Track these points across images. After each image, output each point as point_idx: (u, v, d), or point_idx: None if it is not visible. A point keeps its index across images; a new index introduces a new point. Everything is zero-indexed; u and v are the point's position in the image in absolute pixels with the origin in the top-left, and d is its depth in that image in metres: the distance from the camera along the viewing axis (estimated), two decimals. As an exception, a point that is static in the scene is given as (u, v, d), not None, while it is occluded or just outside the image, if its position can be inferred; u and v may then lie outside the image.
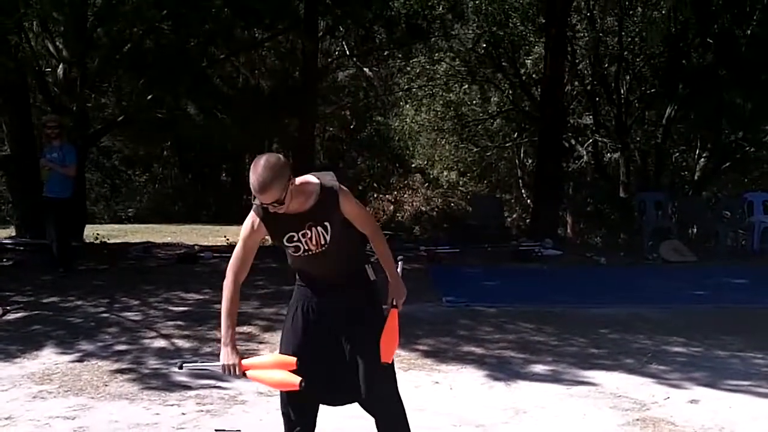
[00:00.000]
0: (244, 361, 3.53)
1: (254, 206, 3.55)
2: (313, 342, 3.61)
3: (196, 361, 3.76)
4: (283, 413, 3.76)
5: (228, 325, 3.54)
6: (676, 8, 16.89)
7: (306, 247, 3.54)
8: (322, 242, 3.54)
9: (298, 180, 3.49)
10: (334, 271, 3.64)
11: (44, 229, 10.27)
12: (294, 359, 3.47)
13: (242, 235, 3.59)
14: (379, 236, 3.78)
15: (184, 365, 4.11)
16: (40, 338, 6.87)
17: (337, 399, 3.77)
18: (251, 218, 3.55)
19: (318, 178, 3.56)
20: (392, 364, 3.69)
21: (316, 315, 3.64)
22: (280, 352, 3.67)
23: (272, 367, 3.55)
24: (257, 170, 3.35)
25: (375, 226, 3.81)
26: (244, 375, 3.53)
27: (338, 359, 3.62)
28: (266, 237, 3.62)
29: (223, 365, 3.51)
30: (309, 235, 3.52)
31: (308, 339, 3.62)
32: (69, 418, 4.82)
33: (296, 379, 3.42)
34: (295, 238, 3.53)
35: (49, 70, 13.49)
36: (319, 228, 3.52)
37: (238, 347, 3.55)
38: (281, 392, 3.72)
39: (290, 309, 3.76)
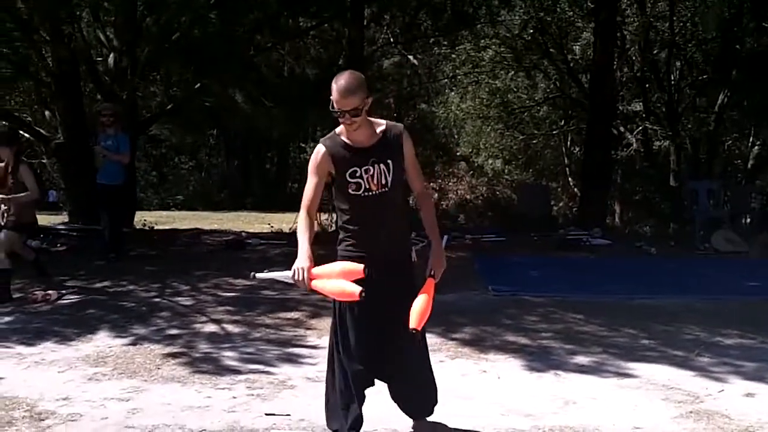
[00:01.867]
0: (314, 270, 3.57)
1: (322, 140, 3.69)
2: (372, 298, 3.61)
3: (265, 271, 3.79)
4: (344, 386, 3.84)
5: (304, 240, 3.63)
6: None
7: (367, 185, 3.60)
8: (383, 182, 3.60)
9: (378, 119, 3.66)
10: (386, 226, 3.68)
11: (97, 215, 10.44)
12: (361, 267, 3.52)
13: (309, 169, 3.70)
14: (429, 199, 3.87)
15: (256, 275, 4.16)
16: (94, 322, 7.00)
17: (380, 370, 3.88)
18: (317, 151, 3.66)
19: (385, 120, 3.69)
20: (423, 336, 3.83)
21: (369, 268, 3.62)
22: (336, 307, 3.79)
23: (338, 276, 3.58)
24: (342, 77, 3.53)
25: (425, 185, 3.88)
26: (310, 285, 3.57)
27: (385, 328, 3.72)
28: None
29: (295, 268, 3.56)
30: (371, 172, 3.58)
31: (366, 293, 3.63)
32: (123, 399, 4.90)
33: (356, 289, 3.46)
34: (358, 174, 3.59)
35: (101, 59, 13.70)
36: (381, 166, 3.59)
37: (312, 258, 3.60)
38: (341, 366, 3.80)
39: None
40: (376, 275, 3.62)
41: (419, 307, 3.61)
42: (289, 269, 3.61)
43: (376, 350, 3.78)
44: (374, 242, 3.69)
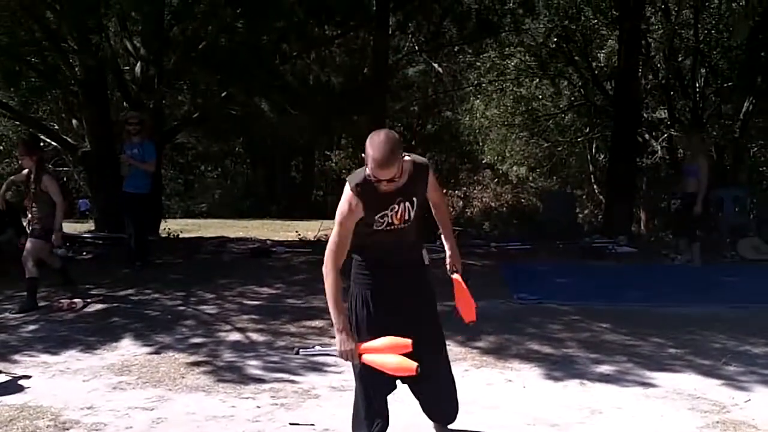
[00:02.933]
0: (362, 346, 3.62)
1: (352, 186, 3.61)
2: (395, 322, 3.72)
3: (311, 347, 3.85)
4: (364, 396, 3.87)
5: (338, 311, 3.66)
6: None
7: (390, 221, 3.66)
8: (406, 217, 3.67)
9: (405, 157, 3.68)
10: (403, 246, 3.80)
11: (122, 224, 10.52)
12: (409, 341, 3.52)
13: (339, 219, 3.64)
14: (447, 207, 4.10)
15: (300, 351, 4.25)
16: (119, 330, 7.05)
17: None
18: (349, 199, 3.61)
19: (408, 155, 3.69)
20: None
21: (386, 295, 3.77)
22: (361, 339, 3.72)
23: (387, 351, 3.58)
24: (380, 147, 3.44)
25: (446, 204, 4.13)
26: (360, 359, 3.61)
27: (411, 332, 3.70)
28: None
29: (341, 351, 3.61)
30: (396, 210, 3.64)
31: (390, 319, 3.75)
32: (147, 409, 4.93)
33: (413, 365, 3.49)
34: (387, 215, 3.64)
35: (128, 68, 13.82)
36: (407, 203, 3.65)
37: (349, 333, 3.65)
38: (363, 376, 3.83)
39: (356, 296, 3.84)
40: (393, 288, 3.78)
41: (465, 302, 3.92)
42: (335, 349, 3.81)
43: None
44: (390, 264, 3.80)
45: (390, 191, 3.59)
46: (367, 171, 3.56)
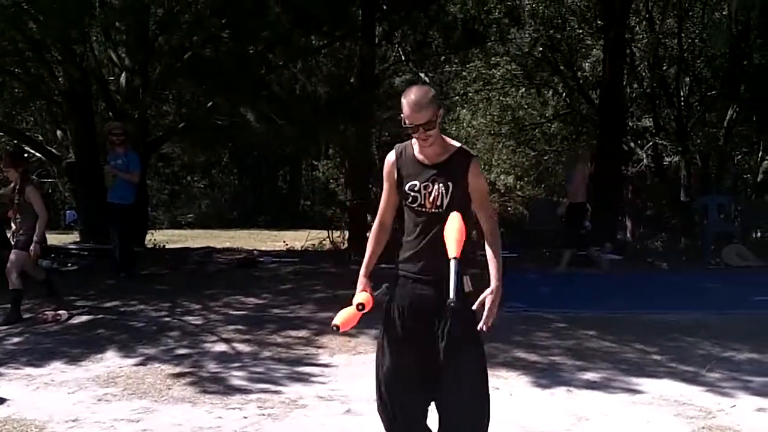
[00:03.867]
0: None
1: (396, 146, 3.67)
2: (408, 342, 3.56)
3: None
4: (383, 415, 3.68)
5: (365, 261, 3.69)
6: (737, 9, 16.53)
7: (422, 202, 3.51)
8: (438, 203, 3.48)
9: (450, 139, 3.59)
10: (433, 247, 3.49)
11: (108, 235, 10.47)
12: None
13: (384, 177, 3.67)
14: (495, 232, 3.61)
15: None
16: (104, 342, 7.01)
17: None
18: (388, 157, 3.66)
19: (459, 144, 3.61)
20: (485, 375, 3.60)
21: (413, 313, 3.56)
22: (380, 344, 3.69)
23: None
24: (412, 91, 3.45)
25: (493, 217, 3.67)
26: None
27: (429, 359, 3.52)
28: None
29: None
30: (429, 189, 3.49)
31: (403, 338, 3.58)
32: (133, 420, 4.90)
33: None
34: (416, 188, 3.51)
35: (112, 78, 13.78)
36: (441, 185, 3.48)
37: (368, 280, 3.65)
38: (383, 392, 3.66)
39: (389, 302, 3.69)
40: (414, 298, 3.55)
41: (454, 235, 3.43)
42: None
43: (412, 380, 3.59)
44: (419, 260, 3.56)
45: (426, 161, 3.52)
46: (412, 140, 3.59)
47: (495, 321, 3.47)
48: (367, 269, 3.69)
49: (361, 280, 3.66)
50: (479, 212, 3.59)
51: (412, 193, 3.53)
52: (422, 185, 3.50)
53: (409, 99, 3.43)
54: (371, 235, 3.74)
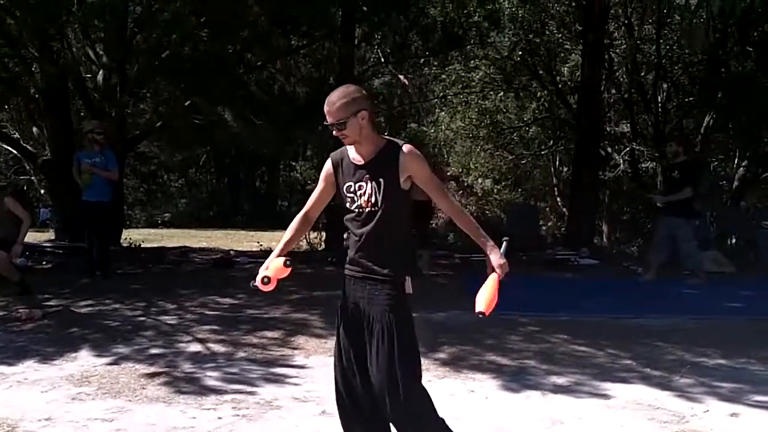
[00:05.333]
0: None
1: (335, 152, 3.73)
2: (349, 338, 3.68)
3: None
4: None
5: (281, 244, 3.79)
6: (715, 16, 16.68)
7: (359, 203, 3.57)
8: (372, 200, 3.53)
9: (380, 135, 3.60)
10: (373, 247, 3.58)
11: (83, 233, 10.40)
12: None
13: (321, 176, 3.77)
14: (461, 214, 3.65)
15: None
16: (78, 341, 6.95)
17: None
18: (327, 161, 3.72)
19: (388, 137, 3.64)
20: (419, 380, 3.59)
21: (348, 310, 3.68)
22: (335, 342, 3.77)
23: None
24: (335, 90, 3.57)
25: (450, 198, 3.67)
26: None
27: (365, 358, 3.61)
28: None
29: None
30: (363, 189, 3.55)
31: (345, 334, 3.70)
32: (107, 420, 4.86)
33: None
34: (352, 188, 3.58)
35: (90, 76, 13.70)
36: (373, 183, 3.53)
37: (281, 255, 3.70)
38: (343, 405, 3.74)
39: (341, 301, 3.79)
40: (354, 298, 3.65)
41: (487, 292, 3.56)
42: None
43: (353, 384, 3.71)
44: (359, 261, 3.63)
45: (359, 162, 3.58)
46: None
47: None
48: (280, 252, 3.74)
49: (271, 258, 3.72)
50: (433, 197, 3.64)
51: (349, 194, 3.61)
52: (356, 185, 3.58)
53: (328, 97, 3.55)
54: (292, 224, 3.84)
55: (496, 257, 3.60)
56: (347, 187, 3.61)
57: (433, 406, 3.64)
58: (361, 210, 3.58)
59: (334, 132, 3.56)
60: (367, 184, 3.55)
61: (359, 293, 3.63)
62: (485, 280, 3.66)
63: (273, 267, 3.63)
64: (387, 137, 3.65)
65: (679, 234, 10.32)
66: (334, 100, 3.52)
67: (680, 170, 10.38)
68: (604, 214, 21.19)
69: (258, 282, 3.60)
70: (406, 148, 3.55)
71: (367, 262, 3.60)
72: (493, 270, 3.62)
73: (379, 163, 3.55)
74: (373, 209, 3.55)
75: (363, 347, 3.60)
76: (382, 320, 3.52)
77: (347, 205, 3.63)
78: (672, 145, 10.79)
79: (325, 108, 3.54)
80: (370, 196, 3.54)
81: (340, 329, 3.73)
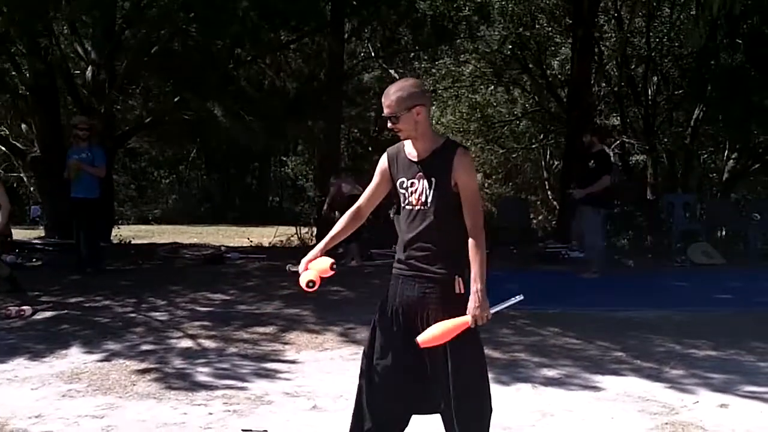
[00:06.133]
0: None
1: (392, 147, 3.67)
2: (392, 341, 3.57)
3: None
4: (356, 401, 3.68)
5: (329, 236, 3.67)
6: (704, 8, 16.70)
7: (409, 199, 3.51)
8: (423, 199, 3.46)
9: (438, 135, 3.55)
10: (420, 246, 3.49)
11: (72, 230, 10.37)
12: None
13: (376, 170, 3.68)
14: (475, 230, 3.47)
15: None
16: (69, 338, 6.94)
17: (419, 407, 3.68)
18: (384, 155, 3.65)
19: (449, 137, 3.64)
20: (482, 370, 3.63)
21: (402, 315, 3.55)
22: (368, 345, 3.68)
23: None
24: (395, 83, 3.52)
25: (480, 217, 3.49)
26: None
27: (413, 364, 3.53)
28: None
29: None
30: (415, 186, 3.48)
31: (388, 336, 3.59)
32: (97, 417, 4.85)
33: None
34: (404, 185, 3.52)
35: (78, 72, 13.64)
36: (425, 181, 3.46)
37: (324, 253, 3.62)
38: (361, 405, 3.66)
39: (383, 301, 3.68)
40: (403, 298, 3.55)
41: (439, 330, 3.42)
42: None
43: (399, 387, 3.60)
44: (407, 259, 3.55)
45: (415, 158, 3.51)
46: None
47: (486, 321, 3.54)
48: (325, 246, 3.64)
49: (314, 252, 3.62)
50: (464, 209, 3.48)
51: (401, 190, 3.54)
52: (409, 182, 3.51)
53: (386, 90, 3.49)
54: (343, 217, 3.70)
55: (473, 306, 3.47)
56: (400, 182, 3.54)
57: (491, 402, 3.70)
58: (411, 208, 3.51)
59: (389, 124, 3.49)
60: (419, 181, 3.47)
61: (408, 292, 3.53)
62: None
63: (318, 268, 3.53)
64: (446, 136, 3.60)
65: (585, 223, 10.26)
66: (391, 93, 3.45)
67: (596, 160, 10.30)
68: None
69: (303, 284, 3.52)
70: (462, 149, 3.49)
71: (417, 262, 3.51)
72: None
73: (434, 162, 3.47)
74: (422, 208, 3.47)
75: (401, 348, 3.53)
76: (436, 319, 3.45)
77: (400, 200, 3.57)
78: (587, 136, 10.69)
79: (383, 100, 3.47)
80: (421, 194, 3.47)
81: (379, 326, 3.64)
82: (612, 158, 11.80)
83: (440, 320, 3.42)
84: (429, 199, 3.45)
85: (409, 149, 3.55)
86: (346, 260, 10.74)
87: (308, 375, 5.79)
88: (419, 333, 3.44)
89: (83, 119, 10.56)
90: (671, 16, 18.32)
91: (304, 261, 3.59)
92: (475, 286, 3.47)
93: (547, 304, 8.34)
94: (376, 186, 3.67)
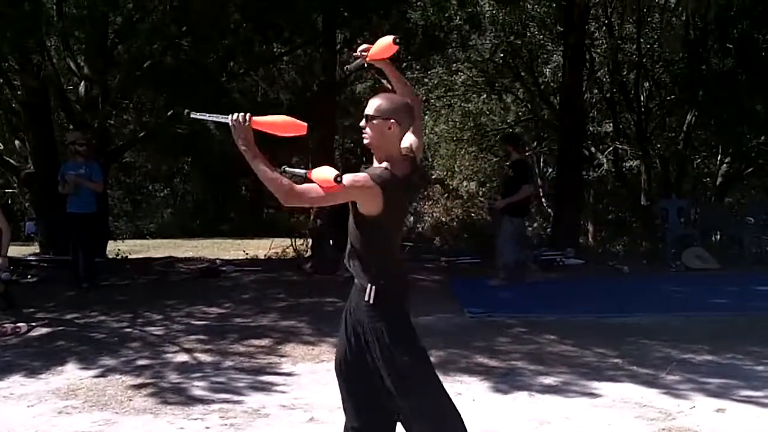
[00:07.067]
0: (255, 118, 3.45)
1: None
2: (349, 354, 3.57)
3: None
4: None
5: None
6: (694, 14, 16.79)
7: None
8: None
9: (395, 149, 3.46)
10: (352, 254, 3.51)
11: (68, 245, 10.36)
12: (304, 124, 3.48)
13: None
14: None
15: (191, 114, 3.81)
16: (65, 354, 6.92)
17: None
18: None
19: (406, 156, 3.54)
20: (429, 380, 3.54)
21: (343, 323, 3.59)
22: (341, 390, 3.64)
23: (281, 122, 3.55)
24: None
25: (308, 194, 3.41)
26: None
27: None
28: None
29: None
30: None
31: (344, 348, 3.59)
32: (94, 433, 4.85)
33: (303, 123, 3.47)
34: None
35: (71, 87, 13.64)
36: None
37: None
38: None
39: None
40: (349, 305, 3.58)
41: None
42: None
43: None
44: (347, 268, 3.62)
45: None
46: None
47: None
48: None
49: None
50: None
51: None
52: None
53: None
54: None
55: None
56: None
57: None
58: None
59: (362, 122, 3.49)
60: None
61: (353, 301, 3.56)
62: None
63: (379, 43, 3.57)
64: (404, 156, 3.49)
65: (499, 230, 10.30)
66: (379, 97, 3.50)
67: (515, 169, 10.38)
68: (589, 214, 21.26)
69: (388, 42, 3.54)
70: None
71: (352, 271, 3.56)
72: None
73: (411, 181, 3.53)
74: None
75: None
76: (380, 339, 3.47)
77: None
78: (506, 147, 10.75)
79: (370, 99, 3.52)
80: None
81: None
82: (530, 166, 11.82)
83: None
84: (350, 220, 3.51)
85: (369, 137, 3.50)
86: (341, 272, 10.74)
87: (305, 387, 5.78)
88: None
89: (79, 135, 10.58)
90: (661, 22, 18.41)
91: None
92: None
93: (543, 312, 8.37)
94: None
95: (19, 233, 22.03)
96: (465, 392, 5.58)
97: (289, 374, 6.18)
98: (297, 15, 12.78)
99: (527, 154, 18.25)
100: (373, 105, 3.47)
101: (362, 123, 3.50)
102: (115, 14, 12.54)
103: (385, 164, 3.42)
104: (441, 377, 5.85)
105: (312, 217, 11.43)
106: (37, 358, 6.76)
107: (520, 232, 10.41)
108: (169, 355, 6.85)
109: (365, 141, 3.50)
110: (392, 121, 3.42)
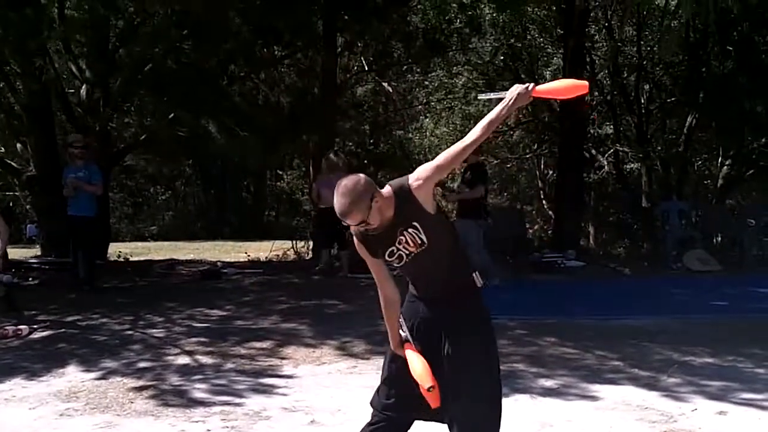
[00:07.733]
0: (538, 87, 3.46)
1: (353, 232, 3.51)
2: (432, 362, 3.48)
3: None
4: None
5: (391, 332, 3.55)
6: (694, 16, 16.79)
7: (407, 252, 3.42)
8: (419, 241, 3.39)
9: (385, 192, 3.37)
10: (441, 273, 3.46)
11: (69, 248, 10.37)
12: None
13: (361, 255, 3.56)
14: (461, 143, 3.43)
15: (479, 95, 3.79)
16: (66, 356, 6.92)
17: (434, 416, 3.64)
18: (355, 240, 3.53)
19: (391, 185, 3.44)
20: (499, 393, 3.62)
21: (422, 332, 3.49)
22: (384, 368, 3.64)
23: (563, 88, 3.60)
24: (337, 197, 3.31)
25: (447, 153, 3.42)
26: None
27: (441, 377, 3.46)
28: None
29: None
30: (404, 241, 3.40)
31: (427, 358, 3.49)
32: (95, 435, 4.85)
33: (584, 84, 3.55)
34: (395, 251, 3.44)
35: (73, 91, 13.65)
36: (410, 230, 3.38)
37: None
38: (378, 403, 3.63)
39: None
40: (423, 314, 3.52)
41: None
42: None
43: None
44: (425, 290, 3.53)
45: (386, 228, 3.40)
46: None
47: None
48: (396, 335, 3.55)
49: (400, 351, 3.51)
50: (447, 159, 3.42)
51: (395, 257, 3.46)
52: (396, 245, 3.42)
53: (337, 208, 3.32)
54: (386, 316, 3.59)
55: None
56: (389, 252, 3.46)
57: None
58: (412, 255, 3.43)
59: (361, 228, 3.39)
60: (404, 235, 3.40)
61: (428, 311, 3.51)
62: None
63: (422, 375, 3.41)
64: (387, 187, 3.43)
65: (467, 237, 10.29)
66: (345, 206, 3.29)
67: (472, 171, 10.48)
68: (590, 216, 21.28)
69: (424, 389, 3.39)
70: (411, 184, 3.38)
71: (438, 289, 3.50)
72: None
73: (402, 212, 3.39)
74: (423, 248, 3.41)
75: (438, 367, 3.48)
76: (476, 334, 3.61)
77: (396, 264, 3.49)
78: None
79: (341, 215, 3.34)
80: (414, 239, 3.40)
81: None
82: (486, 171, 11.98)
83: (472, 330, 3.55)
84: (424, 240, 3.39)
85: (374, 223, 3.38)
86: (343, 272, 10.77)
87: (306, 389, 5.78)
88: (440, 348, 3.45)
89: (78, 137, 10.59)
90: (661, 25, 18.42)
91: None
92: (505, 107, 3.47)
93: (544, 314, 8.36)
94: (374, 263, 3.54)
95: (20, 236, 22.08)
96: (466, 394, 5.58)
97: (290, 377, 6.18)
98: (297, 18, 12.80)
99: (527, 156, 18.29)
100: (355, 215, 3.30)
101: (369, 229, 3.39)
102: (117, 18, 12.56)
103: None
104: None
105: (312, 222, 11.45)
106: (38, 361, 6.76)
107: (484, 231, 10.48)
108: (170, 357, 6.85)
109: (373, 230, 3.40)
110: (374, 199, 3.31)
